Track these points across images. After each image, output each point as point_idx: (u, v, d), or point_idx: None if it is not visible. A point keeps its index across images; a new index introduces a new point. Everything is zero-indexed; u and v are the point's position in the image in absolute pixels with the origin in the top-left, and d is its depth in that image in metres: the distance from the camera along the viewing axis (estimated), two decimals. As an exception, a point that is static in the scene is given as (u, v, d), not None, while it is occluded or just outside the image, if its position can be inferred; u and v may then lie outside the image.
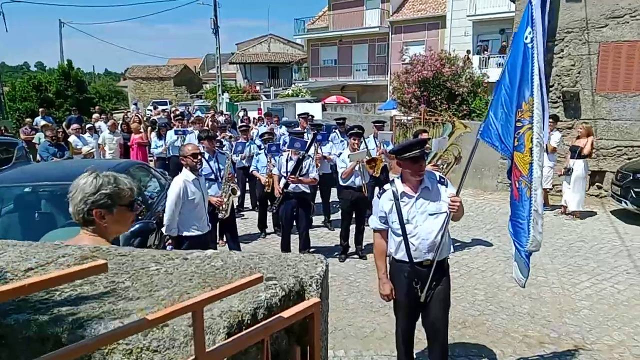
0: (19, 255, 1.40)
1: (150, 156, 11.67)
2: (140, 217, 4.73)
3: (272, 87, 29.96)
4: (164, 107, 31.21)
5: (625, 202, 7.65)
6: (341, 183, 6.26)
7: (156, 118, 16.94)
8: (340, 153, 7.96)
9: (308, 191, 6.10)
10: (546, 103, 2.50)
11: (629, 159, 8.80)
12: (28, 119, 13.88)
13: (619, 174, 8.04)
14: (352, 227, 6.44)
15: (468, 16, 22.70)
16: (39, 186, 4.24)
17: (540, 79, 2.44)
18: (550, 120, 8.29)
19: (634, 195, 7.51)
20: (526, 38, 2.50)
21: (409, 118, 16.97)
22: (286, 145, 5.99)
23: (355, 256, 6.34)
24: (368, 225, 3.73)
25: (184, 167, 4.37)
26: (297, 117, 9.46)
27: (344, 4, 27.53)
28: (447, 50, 20.14)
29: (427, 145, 6.12)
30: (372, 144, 7.13)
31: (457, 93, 17.90)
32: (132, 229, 3.98)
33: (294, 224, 6.13)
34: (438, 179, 3.13)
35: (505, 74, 2.62)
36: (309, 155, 5.93)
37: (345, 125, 8.34)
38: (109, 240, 1.83)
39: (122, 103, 44.73)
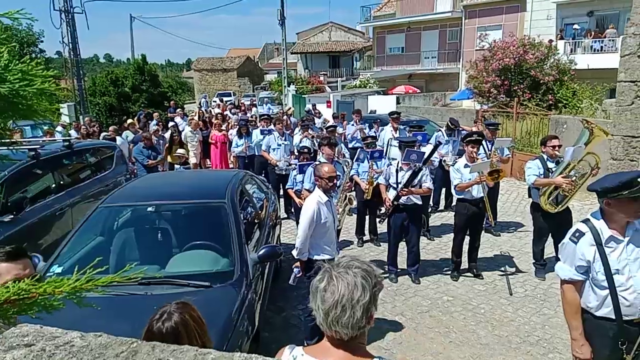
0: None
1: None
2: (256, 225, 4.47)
3: (339, 78, 29.43)
4: (229, 99, 31.76)
5: None
6: (455, 195, 5.72)
7: (229, 114, 17.04)
8: (442, 157, 7.44)
9: (420, 203, 5.61)
10: None
11: None
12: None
13: None
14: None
15: (552, -3, 20.98)
16: (160, 206, 4.07)
17: None
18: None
19: None
20: None
21: (484, 108, 15.93)
22: (401, 159, 5.49)
23: (469, 274, 5.80)
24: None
25: (316, 187, 4.02)
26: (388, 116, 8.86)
27: (413, -12, 26.40)
28: (528, 35, 18.70)
29: (558, 154, 5.51)
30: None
31: (541, 82, 16.62)
32: (259, 253, 3.71)
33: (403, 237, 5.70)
34: None
35: None
36: (426, 167, 5.42)
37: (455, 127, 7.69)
38: None
39: (188, 94, 46.01)
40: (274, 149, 8.33)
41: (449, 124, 7.72)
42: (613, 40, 19.31)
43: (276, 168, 8.17)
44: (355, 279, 1.36)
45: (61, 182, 5.92)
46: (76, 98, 21.57)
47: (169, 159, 8.80)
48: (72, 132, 10.85)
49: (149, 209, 4.01)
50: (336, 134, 8.62)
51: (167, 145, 9.86)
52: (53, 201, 5.59)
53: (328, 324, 1.37)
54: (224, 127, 11.55)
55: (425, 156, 5.36)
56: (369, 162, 6.47)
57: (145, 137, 8.15)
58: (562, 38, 20.64)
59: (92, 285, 0.99)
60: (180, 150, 7.81)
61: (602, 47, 19.66)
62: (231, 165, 11.16)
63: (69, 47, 22.05)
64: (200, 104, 26.76)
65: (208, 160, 11.75)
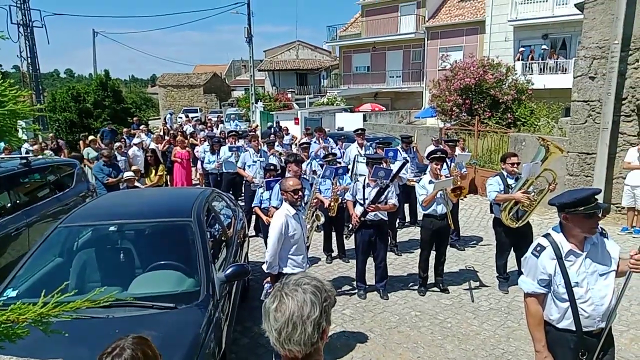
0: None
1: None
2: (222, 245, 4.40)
3: (306, 96, 29.66)
4: (195, 115, 31.38)
5: None
6: (421, 211, 5.82)
7: (190, 127, 16.80)
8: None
9: (386, 218, 5.68)
10: None
11: None
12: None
13: None
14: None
15: (509, 21, 21.98)
16: (123, 225, 3.94)
17: None
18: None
19: None
20: None
21: (447, 126, 16.41)
22: (369, 176, 5.55)
23: (436, 289, 5.88)
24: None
25: (284, 201, 4.02)
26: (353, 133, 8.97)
27: (378, 10, 27.06)
28: (488, 56, 19.47)
29: (517, 171, 5.71)
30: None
31: (500, 101, 17.27)
32: (226, 272, 3.65)
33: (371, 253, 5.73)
34: (600, 230, 2.67)
35: None
36: (392, 184, 5.50)
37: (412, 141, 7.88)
38: None
39: (152, 110, 45.23)
40: (249, 166, 8.37)
41: (402, 140, 7.95)
42: (562, 62, 20.52)
43: (252, 184, 8.16)
44: (305, 295, 1.37)
45: (17, 201, 5.67)
46: (35, 114, 20.74)
47: (147, 181, 8.46)
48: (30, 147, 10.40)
49: (111, 228, 3.88)
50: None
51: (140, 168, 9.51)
52: (8, 221, 5.34)
53: (281, 342, 1.37)
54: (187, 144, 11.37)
55: (393, 173, 5.45)
56: (332, 179, 6.51)
57: (103, 155, 7.89)
58: (532, 58, 21.60)
59: (59, 310, 0.94)
60: (128, 173, 7.46)
61: (553, 67, 20.76)
62: (196, 183, 10.98)
63: (27, 62, 21.35)
64: (165, 120, 26.31)
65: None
